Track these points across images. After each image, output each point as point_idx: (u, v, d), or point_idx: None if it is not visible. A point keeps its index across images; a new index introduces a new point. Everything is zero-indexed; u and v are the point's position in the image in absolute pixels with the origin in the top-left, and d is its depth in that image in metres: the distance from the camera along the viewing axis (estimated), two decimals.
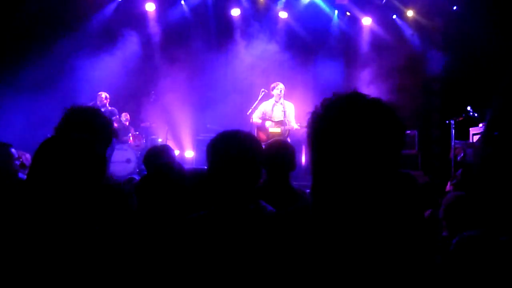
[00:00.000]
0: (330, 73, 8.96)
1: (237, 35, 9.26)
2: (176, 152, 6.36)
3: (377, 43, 9.40)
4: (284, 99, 6.61)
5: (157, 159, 2.87)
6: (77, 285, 1.28)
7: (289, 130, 6.52)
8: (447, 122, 6.37)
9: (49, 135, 1.55)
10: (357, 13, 9.42)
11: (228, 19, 9.39)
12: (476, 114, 6.20)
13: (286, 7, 9.30)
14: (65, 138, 1.46)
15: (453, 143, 6.21)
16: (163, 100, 8.37)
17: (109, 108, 7.66)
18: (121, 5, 8.92)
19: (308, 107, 1.12)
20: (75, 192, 1.38)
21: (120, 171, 7.29)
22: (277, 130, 6.52)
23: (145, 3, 9.00)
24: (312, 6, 9.23)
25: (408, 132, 7.62)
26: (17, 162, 2.96)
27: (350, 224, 1.03)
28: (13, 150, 2.96)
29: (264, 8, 9.36)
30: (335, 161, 1.03)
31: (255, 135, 6.25)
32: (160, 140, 8.41)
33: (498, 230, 1.70)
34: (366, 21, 9.45)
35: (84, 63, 7.83)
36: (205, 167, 1.66)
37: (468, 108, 6.20)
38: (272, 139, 2.81)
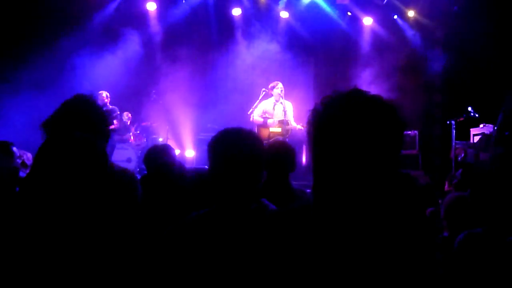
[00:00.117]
0: (331, 73, 8.96)
1: (238, 35, 9.26)
2: (177, 152, 6.35)
3: (378, 43, 9.39)
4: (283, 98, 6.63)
5: (158, 158, 2.88)
6: (77, 285, 1.28)
7: (290, 130, 6.53)
8: (447, 122, 6.38)
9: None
10: (358, 13, 9.41)
11: (229, 18, 9.39)
12: (477, 115, 6.20)
13: (287, 7, 9.30)
14: (67, 137, 1.46)
15: (453, 143, 6.21)
16: (164, 100, 8.36)
17: (110, 107, 7.66)
18: (122, 4, 8.91)
19: (309, 107, 1.12)
20: (77, 191, 1.38)
21: None
22: (278, 129, 6.53)
23: (146, 3, 9.00)
24: (313, 6, 9.22)
25: (409, 132, 7.62)
26: (19, 161, 2.96)
27: (351, 223, 1.03)
28: (14, 148, 2.97)
29: (265, 7, 9.35)
30: (336, 158, 1.03)
31: None
32: (161, 139, 8.41)
33: (502, 228, 1.70)
34: (367, 21, 9.45)
35: (85, 62, 7.83)
36: (206, 167, 1.66)
37: (469, 108, 6.20)
38: (272, 140, 2.81)
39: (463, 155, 6.25)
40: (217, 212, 1.49)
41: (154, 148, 3.08)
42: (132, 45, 8.66)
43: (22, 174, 2.93)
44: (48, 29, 7.81)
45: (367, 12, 9.38)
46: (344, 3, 9.19)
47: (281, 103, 6.58)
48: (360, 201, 1.03)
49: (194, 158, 8.27)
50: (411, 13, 9.21)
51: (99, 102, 7.52)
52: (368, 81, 8.34)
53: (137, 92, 8.74)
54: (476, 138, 6.48)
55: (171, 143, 7.32)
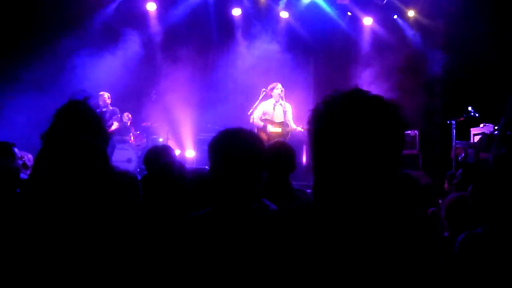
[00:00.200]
0: (331, 72, 8.95)
1: (238, 35, 9.26)
2: (177, 152, 6.36)
3: (378, 43, 9.39)
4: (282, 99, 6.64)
5: (158, 159, 2.88)
6: (79, 286, 1.28)
7: (289, 131, 6.54)
8: (448, 122, 6.37)
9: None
10: (358, 13, 9.41)
11: (229, 18, 9.39)
12: (477, 114, 6.20)
13: (287, 7, 9.30)
14: (68, 139, 1.46)
15: (454, 143, 6.21)
16: (164, 100, 8.37)
17: (111, 108, 7.66)
18: (122, 5, 8.91)
19: (308, 107, 1.12)
20: (78, 192, 1.38)
21: None
22: (278, 130, 6.53)
23: (146, 3, 9.01)
24: (313, 6, 9.22)
25: (409, 132, 7.62)
26: (20, 162, 2.96)
27: (352, 223, 1.03)
28: (15, 149, 2.97)
29: (265, 7, 9.35)
30: (336, 158, 1.03)
31: None
32: (161, 139, 8.41)
33: (502, 228, 1.70)
34: (367, 21, 9.45)
35: (85, 62, 7.83)
36: (206, 167, 1.65)
37: (469, 108, 6.20)
38: (272, 141, 2.82)
39: (463, 155, 6.25)
40: (217, 212, 1.49)
41: (154, 149, 3.08)
42: (132, 45, 8.66)
43: (23, 175, 2.94)
44: (48, 29, 7.81)
45: (367, 12, 9.38)
46: (344, 3, 9.19)
47: (281, 104, 6.58)
48: (360, 201, 1.03)
49: (194, 158, 8.26)
50: (411, 13, 9.21)
51: (101, 103, 7.57)
52: (368, 81, 8.34)
53: (137, 92, 8.74)
54: (477, 138, 6.48)
55: (171, 143, 7.34)
